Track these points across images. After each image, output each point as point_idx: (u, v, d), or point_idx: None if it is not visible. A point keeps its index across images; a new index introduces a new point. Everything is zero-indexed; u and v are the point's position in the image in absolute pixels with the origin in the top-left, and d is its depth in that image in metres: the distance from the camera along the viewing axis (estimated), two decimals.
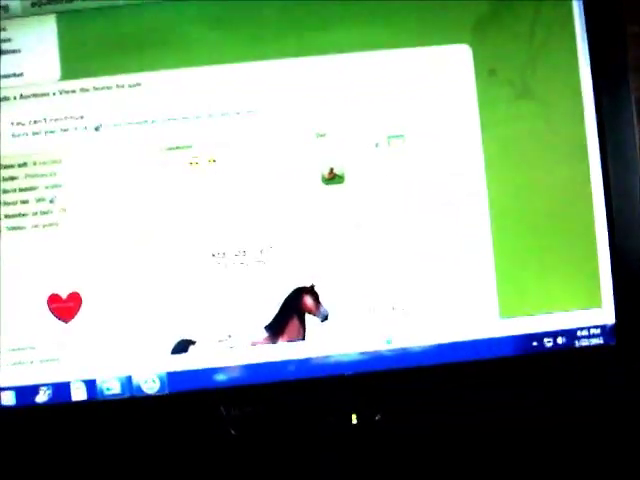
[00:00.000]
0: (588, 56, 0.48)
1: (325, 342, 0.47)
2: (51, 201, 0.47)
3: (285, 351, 0.47)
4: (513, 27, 0.48)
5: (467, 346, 0.48)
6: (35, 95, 0.47)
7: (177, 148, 0.47)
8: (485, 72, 0.48)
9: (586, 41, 0.48)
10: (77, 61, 0.47)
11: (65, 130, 0.47)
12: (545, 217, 0.48)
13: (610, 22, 0.48)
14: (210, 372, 0.47)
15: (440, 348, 0.48)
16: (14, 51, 0.47)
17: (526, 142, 0.48)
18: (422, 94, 0.48)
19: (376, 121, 0.47)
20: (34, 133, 0.47)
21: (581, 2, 0.48)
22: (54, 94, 0.47)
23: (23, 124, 0.47)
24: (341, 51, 0.47)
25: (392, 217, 0.47)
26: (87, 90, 0.47)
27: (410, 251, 0.47)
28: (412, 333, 0.47)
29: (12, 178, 0.47)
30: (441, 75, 0.47)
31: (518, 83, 0.48)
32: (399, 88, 0.47)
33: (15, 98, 0.47)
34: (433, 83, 0.48)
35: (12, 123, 0.47)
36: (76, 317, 0.47)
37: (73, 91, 0.47)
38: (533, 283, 0.48)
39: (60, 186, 0.47)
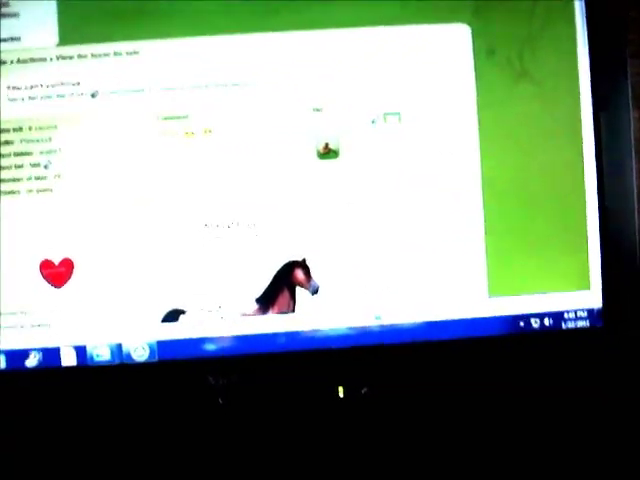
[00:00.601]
0: (587, 39, 0.48)
1: (315, 316, 0.48)
2: (46, 167, 0.47)
3: (275, 323, 0.48)
4: (513, 7, 0.48)
5: (455, 324, 0.48)
6: (32, 60, 0.47)
7: (173, 118, 0.47)
8: (484, 52, 0.48)
9: (585, 24, 0.48)
10: (75, 27, 0.47)
11: (61, 96, 0.47)
12: (537, 198, 0.48)
13: (610, 5, 0.48)
14: (199, 342, 0.47)
15: (428, 325, 0.48)
16: (12, 15, 0.47)
17: (521, 123, 0.48)
18: (420, 72, 0.47)
19: (373, 98, 0.47)
20: (30, 98, 0.47)
21: None
22: (51, 59, 0.47)
23: (19, 88, 0.47)
24: (339, 26, 0.47)
25: (385, 194, 0.48)
26: (85, 56, 0.47)
27: (402, 228, 0.48)
28: (401, 309, 0.48)
29: (7, 142, 0.47)
30: (439, 53, 0.47)
31: (516, 64, 0.48)
32: (397, 65, 0.47)
33: (12, 62, 0.47)
34: (431, 61, 0.48)
35: (8, 87, 0.47)
36: (68, 283, 0.47)
37: (70, 57, 0.47)
38: (523, 263, 0.48)
39: (55, 152, 0.47)
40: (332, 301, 0.48)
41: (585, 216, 0.48)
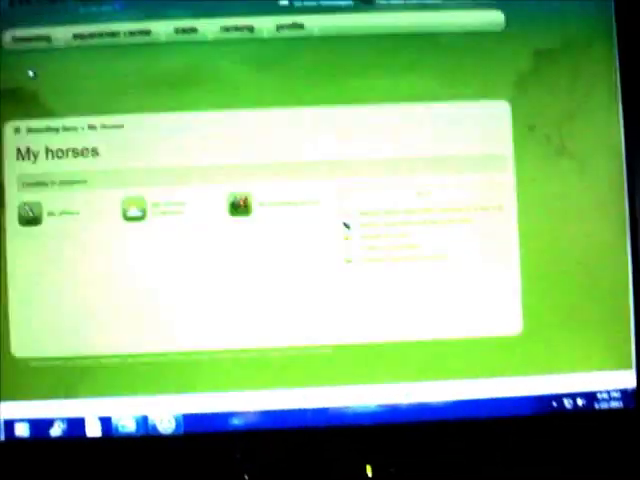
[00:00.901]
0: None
1: (343, 392, 0.47)
2: None
3: (303, 399, 0.47)
4: (554, 83, 0.47)
5: (485, 403, 0.47)
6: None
7: None
8: (523, 128, 0.47)
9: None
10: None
11: None
12: (577, 276, 0.47)
13: None
14: (227, 416, 0.46)
15: (458, 404, 0.47)
16: None
17: (560, 200, 0.47)
18: (458, 147, 0.47)
19: (407, 175, 0.47)
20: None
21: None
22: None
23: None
24: (378, 102, 0.46)
25: (418, 277, 0.47)
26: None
27: (436, 304, 0.47)
28: (431, 388, 0.47)
29: None
30: (478, 129, 0.47)
31: (555, 140, 0.47)
32: (434, 143, 0.47)
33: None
34: (470, 136, 0.47)
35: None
36: None
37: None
38: (557, 342, 0.47)
39: None
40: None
41: (627, 297, 0.47)
